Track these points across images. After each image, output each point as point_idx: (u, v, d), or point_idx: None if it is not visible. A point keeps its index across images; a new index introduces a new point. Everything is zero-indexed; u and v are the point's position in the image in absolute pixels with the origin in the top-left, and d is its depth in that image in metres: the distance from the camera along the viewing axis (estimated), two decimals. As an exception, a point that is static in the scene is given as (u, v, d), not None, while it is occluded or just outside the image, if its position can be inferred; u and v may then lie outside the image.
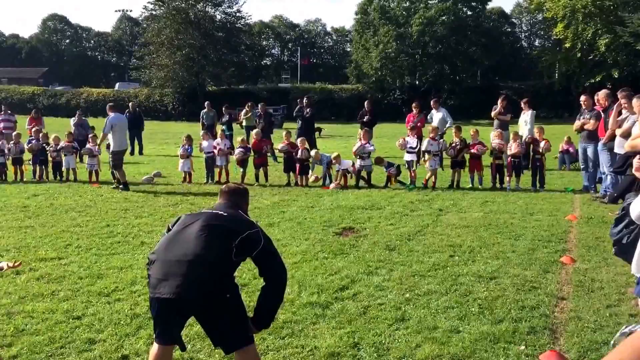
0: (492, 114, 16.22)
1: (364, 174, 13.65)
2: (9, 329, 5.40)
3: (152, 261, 3.89)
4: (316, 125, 21.39)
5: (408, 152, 13.56)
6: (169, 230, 4.10)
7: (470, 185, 12.94)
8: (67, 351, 4.94)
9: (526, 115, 15.77)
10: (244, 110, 21.31)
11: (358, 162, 13.51)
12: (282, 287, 4.00)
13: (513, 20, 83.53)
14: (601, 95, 11.59)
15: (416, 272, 6.91)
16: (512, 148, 12.86)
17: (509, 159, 12.90)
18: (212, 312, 3.82)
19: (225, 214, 4.04)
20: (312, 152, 14.38)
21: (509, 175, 12.86)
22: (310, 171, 14.15)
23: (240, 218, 4.06)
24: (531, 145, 13.04)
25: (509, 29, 79.08)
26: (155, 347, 3.96)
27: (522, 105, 16.07)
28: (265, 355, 4.78)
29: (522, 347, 4.85)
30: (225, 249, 3.81)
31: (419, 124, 17.39)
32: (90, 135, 20.58)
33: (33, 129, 16.18)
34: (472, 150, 12.94)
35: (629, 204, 5.68)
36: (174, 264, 3.75)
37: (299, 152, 13.85)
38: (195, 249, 3.76)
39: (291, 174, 13.96)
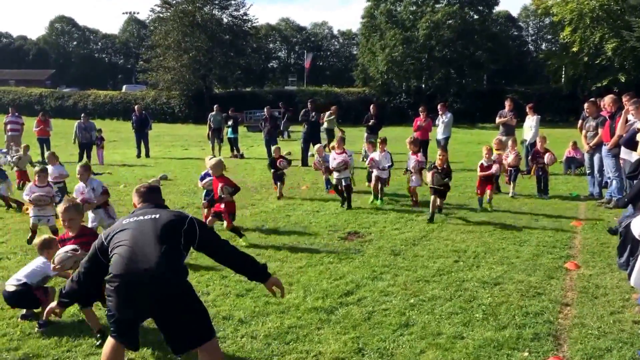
0: (497, 120, 16.20)
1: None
2: (15, 332, 5.45)
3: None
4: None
5: (378, 169, 11.45)
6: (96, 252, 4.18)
7: (479, 208, 11.06)
8: (74, 355, 4.98)
9: (531, 120, 15.76)
10: (328, 113, 21.11)
11: (335, 175, 11.55)
12: (235, 260, 4.31)
13: (520, 24, 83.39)
14: (607, 100, 11.56)
15: (421, 277, 6.93)
16: (510, 158, 12.54)
17: (506, 168, 12.60)
18: (172, 318, 3.96)
19: (159, 215, 4.15)
20: (315, 148, 13.62)
21: (508, 182, 12.69)
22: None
23: (170, 217, 4.17)
24: (535, 157, 12.69)
25: (516, 33, 78.97)
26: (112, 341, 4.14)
27: (527, 110, 16.06)
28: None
29: (526, 354, 4.86)
30: (177, 250, 4.03)
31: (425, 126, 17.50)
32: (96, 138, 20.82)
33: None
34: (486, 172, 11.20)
35: (626, 228, 5.71)
36: (138, 274, 3.83)
37: (277, 162, 12.67)
38: (158, 261, 3.84)
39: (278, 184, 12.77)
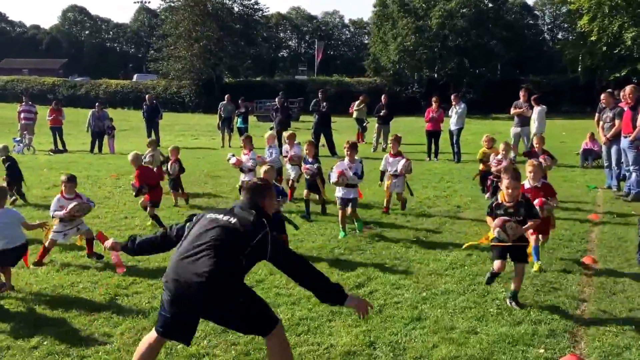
0: (512, 111, 15.98)
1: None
2: (29, 320, 5.46)
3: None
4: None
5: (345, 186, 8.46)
6: (188, 223, 4.23)
7: (535, 261, 6.86)
8: (86, 343, 4.97)
9: (535, 113, 15.51)
10: (357, 102, 20.88)
11: (291, 172, 10.72)
12: (307, 273, 4.02)
13: (536, 12, 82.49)
14: (629, 90, 11.21)
15: (433, 270, 6.82)
16: (494, 163, 10.45)
17: (490, 176, 10.69)
18: (225, 317, 4.00)
19: (234, 222, 4.00)
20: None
21: (488, 190, 10.88)
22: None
23: (249, 224, 3.98)
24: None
25: (532, 22, 78.16)
26: (153, 334, 4.09)
27: (532, 101, 15.76)
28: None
29: (542, 350, 4.75)
30: (233, 263, 3.88)
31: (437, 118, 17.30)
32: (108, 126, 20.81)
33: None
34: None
35: None
36: (185, 279, 3.82)
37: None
38: (203, 268, 3.78)
39: None
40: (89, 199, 7.63)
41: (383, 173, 10.00)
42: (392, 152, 9.91)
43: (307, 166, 9.52)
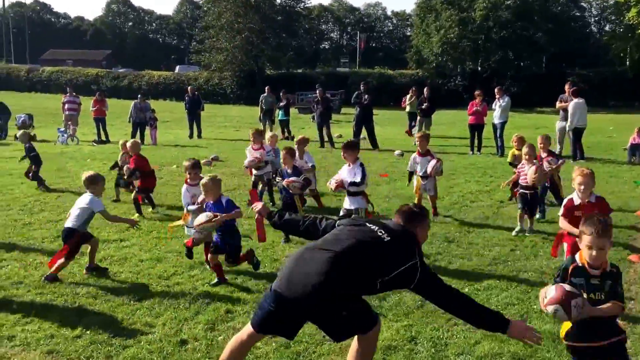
0: (557, 105, 15.62)
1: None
2: (72, 309, 5.58)
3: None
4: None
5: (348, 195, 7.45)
6: (339, 221, 4.06)
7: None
8: (128, 333, 5.05)
9: (570, 106, 15.11)
10: (409, 95, 20.92)
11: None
12: (458, 307, 3.72)
13: (582, 4, 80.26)
14: None
15: (476, 265, 6.75)
16: (528, 172, 8.20)
17: (517, 189, 8.66)
18: (325, 320, 3.78)
19: (387, 241, 3.69)
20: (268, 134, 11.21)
21: (524, 215, 8.30)
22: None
23: (400, 248, 3.68)
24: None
25: (578, 14, 76.07)
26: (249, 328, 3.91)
27: (570, 94, 15.35)
28: (322, 346, 4.76)
29: (587, 349, 4.64)
30: (363, 285, 3.64)
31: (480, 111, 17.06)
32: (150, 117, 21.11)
33: None
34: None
35: None
36: (302, 274, 3.61)
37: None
38: (326, 278, 3.52)
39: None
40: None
41: (411, 174, 9.24)
42: (420, 151, 9.03)
43: (292, 179, 7.66)
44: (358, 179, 7.14)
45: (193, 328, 5.13)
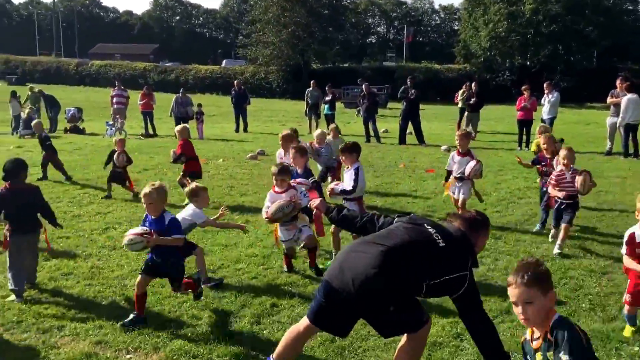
0: (609, 100, 15.26)
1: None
2: (121, 300, 5.74)
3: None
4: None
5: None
6: (397, 218, 4.03)
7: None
8: (175, 324, 5.16)
9: (622, 102, 14.68)
10: (461, 91, 20.77)
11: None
12: (482, 331, 3.75)
13: (636, -3, 77.81)
14: None
15: (523, 262, 6.69)
16: (577, 181, 7.15)
17: (552, 199, 7.63)
18: (373, 315, 3.77)
19: (442, 245, 3.67)
20: (315, 133, 10.74)
21: (554, 225, 7.52)
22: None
23: (453, 256, 3.67)
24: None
25: (631, 7, 73.71)
26: (305, 320, 3.96)
27: (621, 88, 14.91)
28: (367, 341, 4.83)
29: (637, 348, 4.62)
30: (409, 284, 3.64)
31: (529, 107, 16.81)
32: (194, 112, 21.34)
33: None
34: None
35: None
36: (352, 266, 3.63)
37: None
38: (374, 271, 3.52)
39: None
40: (305, 192, 6.36)
41: (449, 173, 8.65)
42: (459, 150, 8.39)
43: (299, 180, 6.89)
44: (349, 187, 6.61)
45: (239, 321, 5.20)
